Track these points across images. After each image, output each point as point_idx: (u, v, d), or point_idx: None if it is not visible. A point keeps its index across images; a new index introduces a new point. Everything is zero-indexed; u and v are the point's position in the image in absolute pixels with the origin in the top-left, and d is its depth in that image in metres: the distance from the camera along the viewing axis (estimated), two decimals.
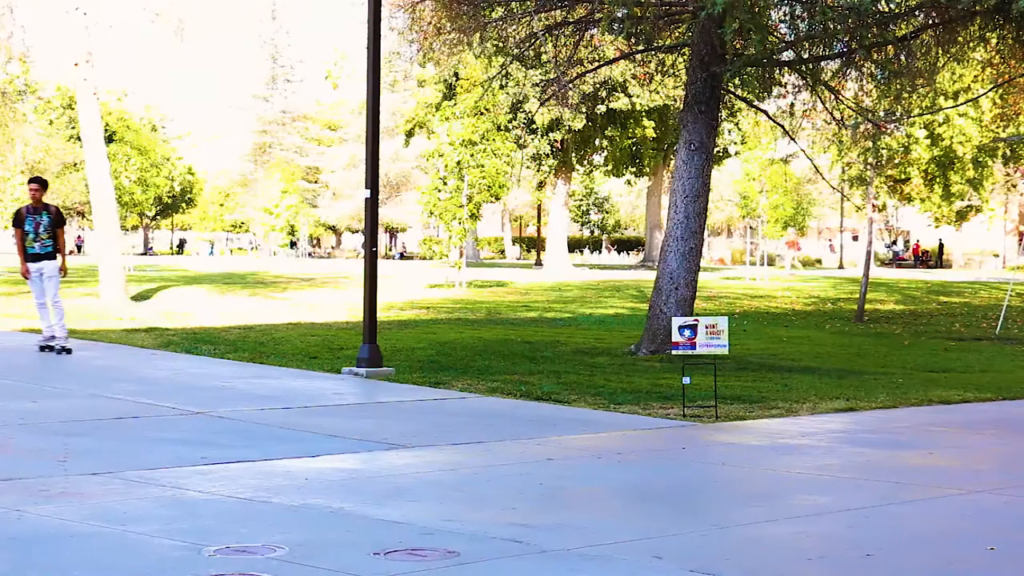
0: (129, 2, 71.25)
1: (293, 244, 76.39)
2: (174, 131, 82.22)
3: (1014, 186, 50.64)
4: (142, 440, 8.94)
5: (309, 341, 17.10)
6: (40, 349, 14.81)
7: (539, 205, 66.61)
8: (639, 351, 16.83)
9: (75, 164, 53.33)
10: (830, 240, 66.87)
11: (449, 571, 5.41)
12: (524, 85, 39.71)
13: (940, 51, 17.40)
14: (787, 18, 17.87)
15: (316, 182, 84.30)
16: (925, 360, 17.54)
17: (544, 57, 22.73)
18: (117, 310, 22.10)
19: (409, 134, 54.58)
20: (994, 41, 18.32)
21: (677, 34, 18.96)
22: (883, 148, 25.65)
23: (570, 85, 21.35)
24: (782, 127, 21.08)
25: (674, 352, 11.36)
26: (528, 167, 47.20)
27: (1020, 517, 7.05)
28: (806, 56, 17.43)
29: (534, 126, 43.65)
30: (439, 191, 32.95)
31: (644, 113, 45.20)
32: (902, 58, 16.87)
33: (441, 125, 34.31)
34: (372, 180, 13.89)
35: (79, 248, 78.08)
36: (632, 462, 8.64)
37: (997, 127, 28.33)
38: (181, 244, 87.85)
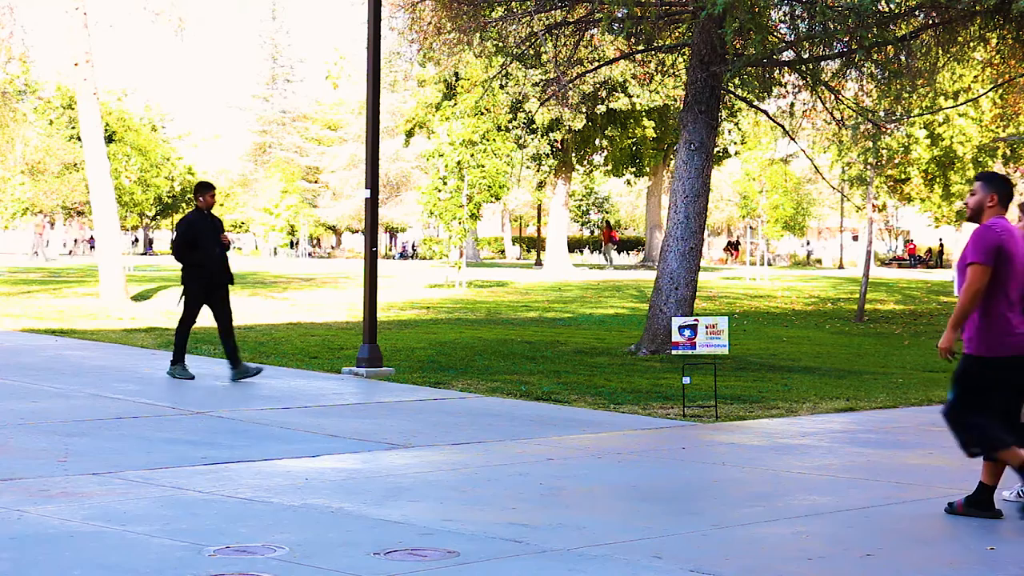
0: (129, 2, 71.10)
1: (293, 244, 76.36)
2: (174, 131, 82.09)
3: (1014, 186, 50.63)
4: (142, 440, 8.94)
5: (309, 341, 17.10)
6: None
7: (539, 205, 66.57)
8: (639, 351, 16.83)
9: (75, 164, 53.26)
10: (754, 242, 61.60)
11: (449, 571, 5.41)
12: (524, 85, 39.68)
13: (940, 51, 17.40)
14: (787, 18, 17.88)
15: (316, 182, 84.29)
16: (925, 360, 17.54)
17: (544, 57, 22.70)
18: (117, 310, 22.08)
19: (409, 134, 54.52)
20: (994, 41, 18.33)
21: (677, 34, 18.96)
22: (883, 148, 25.63)
23: (570, 85, 21.35)
24: (782, 127, 21.08)
25: (674, 352, 11.37)
26: (528, 167, 47.17)
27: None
28: (806, 56, 17.43)
29: (534, 126, 43.62)
30: (439, 191, 32.92)
31: (644, 113, 45.17)
32: (902, 58, 16.87)
33: (441, 125, 34.29)
34: (372, 180, 13.89)
35: (92, 248, 77.68)
36: (632, 462, 8.64)
37: (997, 127, 28.31)
38: (150, 243, 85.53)
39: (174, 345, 12.68)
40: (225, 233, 12.68)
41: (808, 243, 78.28)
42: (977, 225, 6.75)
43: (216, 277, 12.59)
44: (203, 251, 12.47)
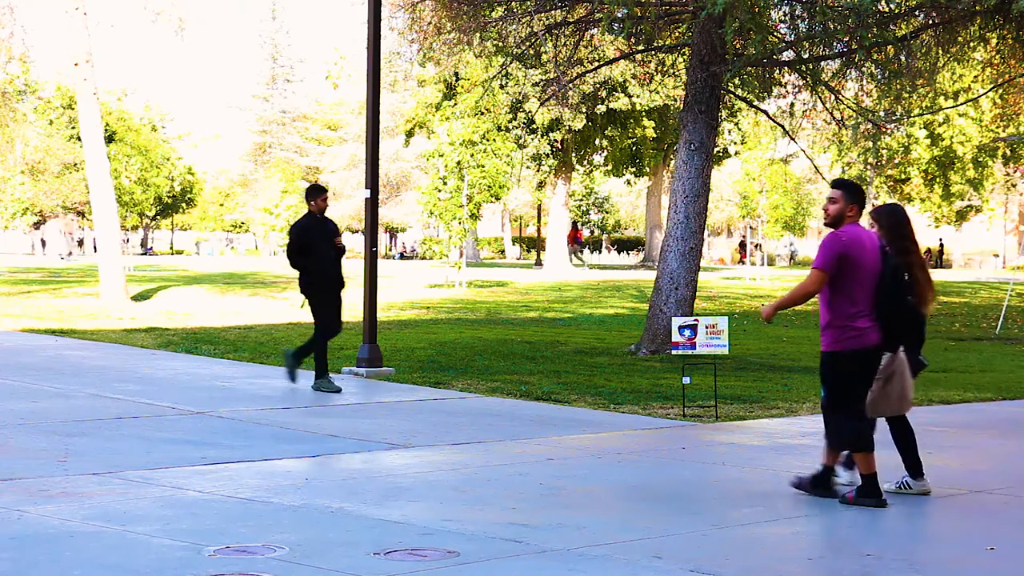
0: (129, 2, 71.13)
1: None
2: (174, 131, 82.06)
3: (1014, 186, 50.65)
4: (142, 440, 8.94)
5: None
6: None
7: (539, 205, 66.56)
8: (639, 351, 16.83)
9: (75, 164, 53.26)
10: (754, 242, 52.66)
11: (449, 571, 5.41)
12: (524, 85, 39.68)
13: (940, 51, 17.40)
14: (787, 18, 17.88)
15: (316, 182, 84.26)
16: None
17: (544, 57, 22.70)
18: (117, 310, 22.09)
19: (409, 134, 54.51)
20: (994, 41, 18.34)
21: (677, 34, 18.96)
22: (883, 148, 25.67)
23: (570, 85, 21.35)
24: (782, 127, 21.08)
25: (674, 352, 11.36)
26: (528, 167, 47.15)
27: (1020, 517, 7.05)
28: (806, 56, 17.43)
29: (534, 126, 43.61)
30: (439, 191, 32.91)
31: (644, 113, 45.14)
32: (902, 58, 16.88)
33: (441, 125, 34.28)
34: (372, 180, 13.89)
35: (96, 249, 76.87)
36: (632, 462, 8.64)
37: (997, 127, 28.33)
38: (143, 244, 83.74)
39: (315, 360, 12.16)
40: (339, 238, 12.10)
41: (791, 243, 78.05)
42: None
43: (330, 283, 12.10)
44: (315, 257, 11.91)
